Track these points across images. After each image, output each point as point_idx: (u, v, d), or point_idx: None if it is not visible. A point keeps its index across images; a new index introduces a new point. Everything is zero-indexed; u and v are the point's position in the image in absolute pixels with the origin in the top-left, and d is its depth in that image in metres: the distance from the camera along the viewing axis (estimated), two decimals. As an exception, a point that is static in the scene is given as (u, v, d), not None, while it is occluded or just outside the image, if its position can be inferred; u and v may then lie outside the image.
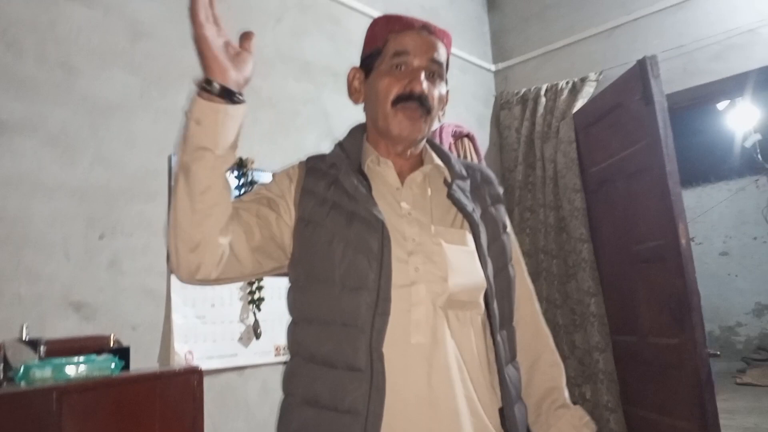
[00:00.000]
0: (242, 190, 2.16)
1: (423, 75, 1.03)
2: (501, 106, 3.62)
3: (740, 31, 2.86)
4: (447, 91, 1.12)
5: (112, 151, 1.86)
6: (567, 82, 3.28)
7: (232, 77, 0.86)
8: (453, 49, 3.42)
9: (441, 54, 1.07)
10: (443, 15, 3.48)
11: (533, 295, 1.18)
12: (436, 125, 1.12)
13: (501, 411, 1.00)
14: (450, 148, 2.96)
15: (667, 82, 2.59)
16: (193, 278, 0.94)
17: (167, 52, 2.05)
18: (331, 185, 1.03)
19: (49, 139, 1.74)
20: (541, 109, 3.33)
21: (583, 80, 3.23)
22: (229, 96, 0.86)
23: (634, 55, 2.78)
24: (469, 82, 3.58)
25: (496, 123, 3.64)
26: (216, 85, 0.85)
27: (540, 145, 3.29)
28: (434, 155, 1.13)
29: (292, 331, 1.03)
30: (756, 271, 8.26)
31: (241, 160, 2.16)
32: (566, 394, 1.13)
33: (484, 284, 1.02)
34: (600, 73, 3.22)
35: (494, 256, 1.06)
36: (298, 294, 1.03)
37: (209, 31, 0.83)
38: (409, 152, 1.10)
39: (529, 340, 1.12)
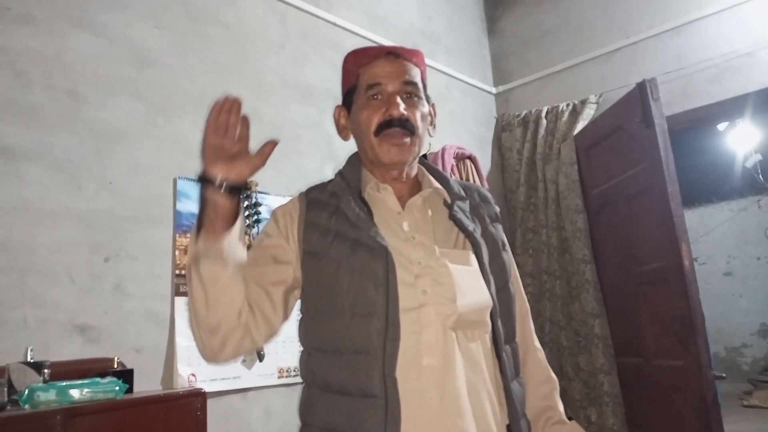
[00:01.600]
0: (245, 213, 2.18)
1: (399, 99, 1.05)
2: (502, 127, 3.66)
3: (737, 55, 2.90)
4: (432, 105, 1.15)
5: (117, 177, 1.89)
6: (567, 105, 3.32)
7: (221, 171, 0.91)
8: (454, 73, 3.47)
9: (413, 74, 1.09)
10: (444, 39, 3.53)
11: (528, 313, 1.20)
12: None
13: (508, 427, 1.01)
14: (452, 169, 2.98)
15: (667, 104, 2.62)
16: (218, 359, 0.98)
17: (172, 80, 2.09)
18: (333, 215, 1.04)
19: (54, 166, 1.76)
20: (542, 131, 3.36)
21: (583, 102, 3.26)
22: (218, 186, 0.91)
23: (633, 78, 2.82)
24: (471, 104, 3.62)
25: (498, 145, 3.67)
26: (210, 176, 0.91)
27: (542, 167, 3.31)
28: (432, 178, 1.14)
29: (306, 361, 1.04)
30: (760, 291, 8.19)
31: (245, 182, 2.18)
32: (561, 409, 1.14)
33: (491, 303, 1.03)
34: (600, 96, 3.26)
35: (495, 273, 1.07)
36: (309, 324, 1.04)
37: (215, 138, 0.91)
38: (404, 175, 1.11)
39: (522, 357, 1.13)
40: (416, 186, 1.14)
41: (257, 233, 2.19)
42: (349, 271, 0.97)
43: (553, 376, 1.17)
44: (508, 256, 1.14)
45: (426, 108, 1.10)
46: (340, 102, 1.17)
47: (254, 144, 0.94)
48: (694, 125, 3.09)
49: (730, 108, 2.98)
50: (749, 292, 8.28)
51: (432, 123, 1.15)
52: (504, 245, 1.14)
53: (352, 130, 1.13)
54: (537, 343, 1.18)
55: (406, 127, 1.04)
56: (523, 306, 1.17)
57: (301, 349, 1.06)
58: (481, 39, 3.94)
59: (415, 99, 1.08)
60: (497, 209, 1.20)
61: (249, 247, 2.13)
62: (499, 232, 1.15)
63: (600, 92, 3.27)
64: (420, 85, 1.10)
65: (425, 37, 3.38)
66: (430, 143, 3.05)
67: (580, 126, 3.19)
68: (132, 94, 1.98)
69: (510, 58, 3.85)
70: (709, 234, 8.48)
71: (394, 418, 0.90)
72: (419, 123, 1.07)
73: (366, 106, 1.07)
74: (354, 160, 1.15)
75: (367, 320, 0.94)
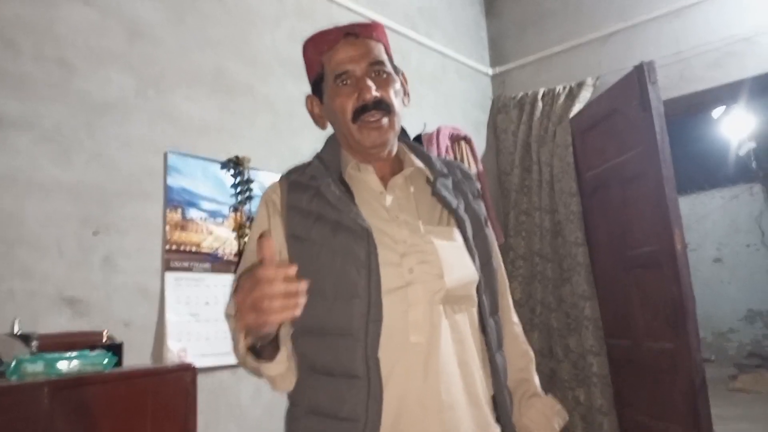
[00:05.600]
0: (237, 189, 2.16)
1: (369, 81, 1.03)
2: (498, 109, 3.63)
3: (736, 40, 2.89)
4: (402, 74, 1.13)
5: (107, 150, 1.86)
6: (564, 87, 3.30)
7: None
8: (451, 53, 3.42)
9: (377, 52, 1.06)
10: (441, 19, 3.49)
11: (507, 288, 1.20)
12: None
13: (493, 398, 1.03)
14: (447, 150, 2.96)
15: (664, 88, 2.61)
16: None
17: (164, 53, 2.05)
18: (314, 197, 1.03)
19: (44, 137, 1.72)
20: (537, 113, 3.34)
21: (580, 85, 3.24)
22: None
23: (631, 62, 2.80)
24: (467, 86, 3.59)
25: (493, 127, 3.65)
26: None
27: (536, 149, 3.30)
28: (413, 157, 1.13)
29: (295, 343, 1.03)
30: (749, 278, 8.30)
31: (237, 158, 2.16)
32: (537, 382, 1.15)
33: (477, 277, 1.04)
34: (597, 79, 3.23)
35: (479, 249, 1.07)
36: None
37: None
38: (386, 154, 1.10)
39: (501, 331, 1.14)
40: (397, 164, 1.12)
41: (249, 210, 2.18)
42: (331, 254, 0.97)
43: (530, 349, 1.18)
44: (490, 232, 1.14)
45: (397, 83, 1.09)
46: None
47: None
48: (691, 110, 3.09)
49: (727, 93, 2.97)
50: (738, 279, 8.39)
51: (405, 93, 1.13)
52: (486, 221, 1.14)
53: (328, 119, 1.12)
54: (515, 318, 1.19)
55: (381, 107, 1.03)
56: (503, 281, 1.18)
57: (292, 331, 1.06)
58: (478, 20, 3.89)
59: (385, 76, 1.06)
60: (478, 186, 1.20)
61: (242, 228, 2.11)
62: (481, 208, 1.15)
63: (597, 75, 3.25)
64: (386, 60, 1.08)
65: (423, 16, 3.33)
66: (425, 123, 3.03)
67: (576, 109, 3.17)
68: (124, 66, 1.94)
69: (508, 40, 3.81)
70: (700, 221, 8.54)
71: (375, 398, 0.91)
72: (394, 100, 1.05)
73: (338, 93, 1.05)
74: (333, 142, 1.14)
75: (350, 302, 0.95)
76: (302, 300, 0.77)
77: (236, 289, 0.82)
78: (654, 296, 2.49)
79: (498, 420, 1.02)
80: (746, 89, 2.90)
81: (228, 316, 1.05)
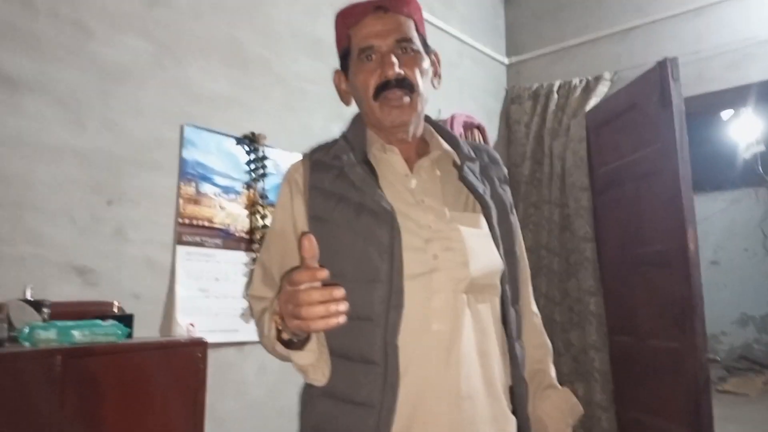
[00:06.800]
0: (252, 166, 2.13)
1: (393, 57, 0.99)
2: (512, 100, 3.59)
3: (758, 41, 2.85)
4: (435, 54, 1.09)
5: (120, 117, 1.82)
6: (581, 80, 3.26)
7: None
8: (468, 39, 3.34)
9: (406, 28, 1.02)
10: (459, 5, 3.44)
11: (529, 278, 1.17)
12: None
13: (511, 389, 1.01)
14: (460, 138, 2.94)
15: (682, 86, 2.57)
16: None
17: (182, 21, 2.01)
18: (337, 177, 1.00)
19: (57, 100, 1.69)
20: (552, 106, 3.31)
21: (597, 79, 3.21)
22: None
23: (650, 58, 2.77)
24: (481, 73, 3.55)
25: (506, 117, 3.62)
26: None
27: (549, 142, 3.27)
28: (440, 139, 1.09)
29: None
30: (744, 282, 8.33)
31: (253, 134, 2.13)
32: (553, 374, 1.13)
33: (502, 266, 1.01)
34: (615, 74, 3.20)
35: (504, 236, 1.04)
36: None
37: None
38: (410, 136, 1.06)
39: (521, 320, 1.11)
40: (423, 146, 1.09)
41: (262, 188, 2.15)
42: (352, 236, 0.95)
43: (548, 341, 1.16)
44: (515, 219, 1.11)
45: (426, 61, 1.04)
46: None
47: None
48: (708, 110, 3.06)
49: (743, 95, 2.95)
50: (733, 283, 8.40)
51: (436, 74, 1.10)
52: (511, 208, 1.11)
53: (353, 95, 1.09)
54: (535, 308, 1.17)
55: (404, 86, 0.99)
56: (525, 270, 1.14)
57: None
58: (497, 8, 3.84)
59: (412, 54, 1.02)
60: (506, 171, 1.16)
61: (254, 205, 2.08)
62: (507, 194, 1.12)
63: (615, 70, 3.21)
64: (415, 37, 1.03)
65: (440, 1, 3.28)
66: (440, 110, 3.00)
67: (592, 103, 3.15)
68: (140, 32, 1.90)
69: (525, 30, 3.77)
70: (700, 223, 8.52)
71: (391, 386, 0.89)
72: (418, 79, 1.01)
73: (361, 69, 1.02)
74: (358, 121, 1.11)
75: (371, 287, 0.92)
76: (344, 306, 0.75)
77: (279, 291, 0.83)
78: (661, 295, 2.48)
79: (513, 411, 1.01)
80: (761, 92, 2.88)
81: (251, 296, 1.03)
